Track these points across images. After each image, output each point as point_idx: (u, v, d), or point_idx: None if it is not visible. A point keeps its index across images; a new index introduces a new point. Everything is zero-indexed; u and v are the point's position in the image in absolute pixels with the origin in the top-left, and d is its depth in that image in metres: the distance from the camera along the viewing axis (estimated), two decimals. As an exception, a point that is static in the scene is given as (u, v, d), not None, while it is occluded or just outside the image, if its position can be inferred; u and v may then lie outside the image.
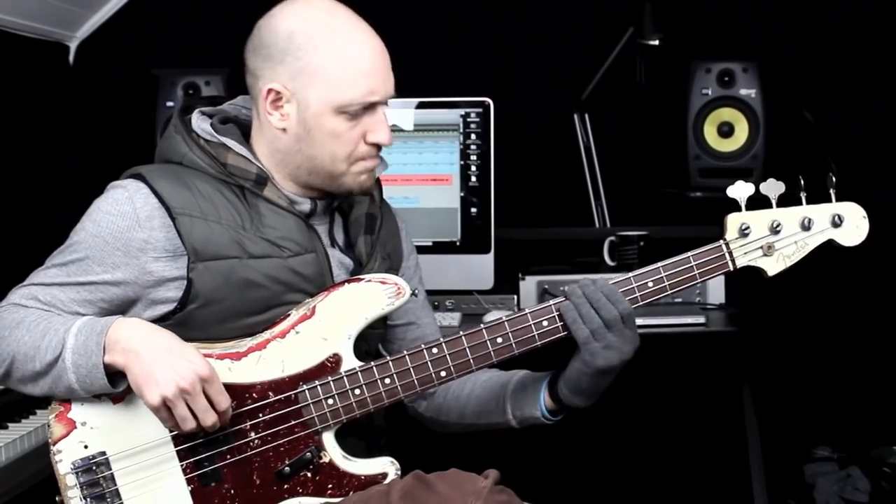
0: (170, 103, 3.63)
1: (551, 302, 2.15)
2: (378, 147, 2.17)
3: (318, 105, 2.09)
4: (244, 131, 2.22)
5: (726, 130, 3.69)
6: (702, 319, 3.26)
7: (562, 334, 2.15)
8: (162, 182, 2.10)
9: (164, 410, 2.00)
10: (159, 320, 2.10)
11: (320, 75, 2.08)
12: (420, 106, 3.45)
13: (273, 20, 2.12)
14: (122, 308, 2.11)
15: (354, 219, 2.27)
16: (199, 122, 2.19)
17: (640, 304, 2.16)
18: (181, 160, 2.16)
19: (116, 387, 2.03)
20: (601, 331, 2.09)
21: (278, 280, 2.12)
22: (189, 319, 2.09)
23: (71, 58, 3.93)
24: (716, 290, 3.43)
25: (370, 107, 2.12)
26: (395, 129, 3.39)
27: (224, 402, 2.02)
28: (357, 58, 2.09)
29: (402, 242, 2.41)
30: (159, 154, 2.22)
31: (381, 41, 2.14)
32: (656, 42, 3.75)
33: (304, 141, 2.12)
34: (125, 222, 2.07)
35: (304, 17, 2.10)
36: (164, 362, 1.98)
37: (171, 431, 2.07)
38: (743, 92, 3.66)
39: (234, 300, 2.09)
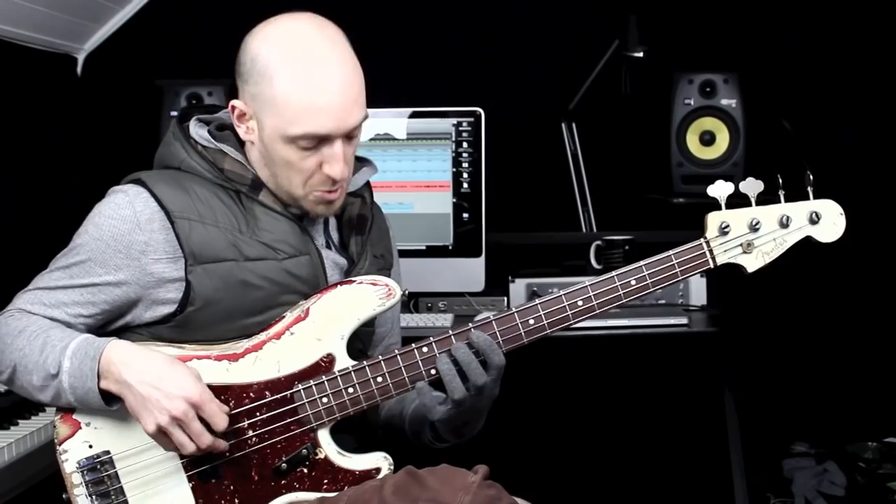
0: (173, 113, 3.62)
1: (537, 301, 2.14)
2: (333, 180, 2.11)
3: (269, 131, 2.07)
4: (241, 139, 2.20)
5: (708, 139, 3.68)
6: (684, 320, 3.25)
7: (548, 331, 2.14)
8: (161, 186, 2.10)
9: (162, 437, 2.00)
10: (160, 322, 2.10)
11: (271, 105, 2.05)
12: (414, 115, 3.46)
13: (248, 39, 2.09)
14: (124, 309, 2.10)
15: (347, 220, 2.27)
16: (197, 129, 2.18)
17: (624, 301, 2.15)
18: (179, 165, 2.16)
19: (112, 406, 2.03)
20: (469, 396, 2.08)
21: (274, 281, 2.11)
22: (189, 321, 2.09)
23: (79, 69, 3.93)
24: (698, 292, 3.43)
25: (326, 139, 2.06)
26: (388, 138, 3.42)
27: (220, 422, 2.01)
28: (308, 94, 2.02)
29: (391, 245, 2.40)
30: (158, 160, 2.21)
31: (347, 73, 2.06)
32: (641, 54, 3.76)
33: (267, 157, 2.12)
34: (126, 225, 2.07)
35: (270, 43, 2.06)
36: (157, 392, 1.97)
37: (181, 459, 2.07)
38: (724, 102, 3.65)
39: (232, 302, 2.09)
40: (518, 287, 3.43)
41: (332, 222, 2.28)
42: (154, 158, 2.23)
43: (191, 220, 2.09)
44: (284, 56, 2.04)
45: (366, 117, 2.12)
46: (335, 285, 2.13)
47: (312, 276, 2.16)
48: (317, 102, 2.03)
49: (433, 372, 2.10)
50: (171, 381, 1.99)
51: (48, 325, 2.08)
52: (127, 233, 2.07)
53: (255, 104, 2.08)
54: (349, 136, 2.09)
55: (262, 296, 2.11)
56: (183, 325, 2.10)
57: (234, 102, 2.11)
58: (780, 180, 2.14)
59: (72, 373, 2.01)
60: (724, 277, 2.24)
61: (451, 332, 2.12)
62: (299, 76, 2.03)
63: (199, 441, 1.99)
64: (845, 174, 3.73)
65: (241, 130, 2.13)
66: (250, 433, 2.08)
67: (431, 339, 2.11)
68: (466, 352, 2.06)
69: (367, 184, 2.33)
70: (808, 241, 2.17)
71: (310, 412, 2.08)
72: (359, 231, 2.27)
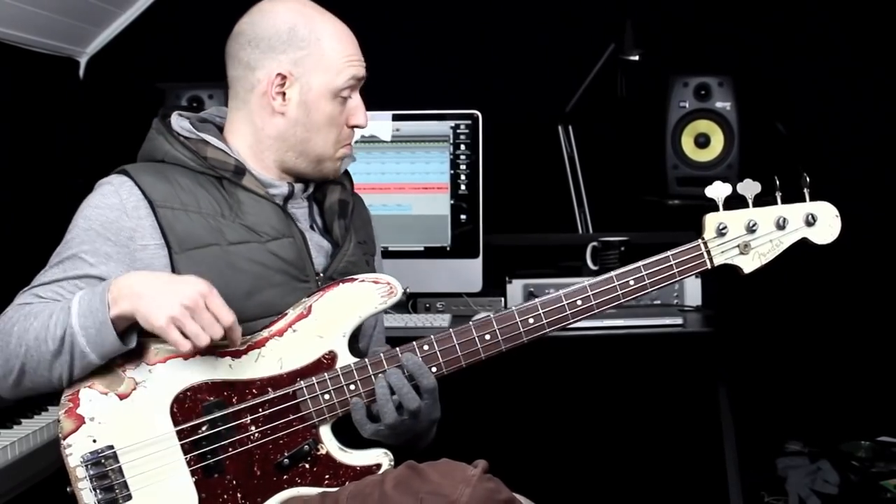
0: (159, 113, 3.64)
1: (536, 301, 2.15)
2: (352, 132, 2.28)
3: (317, 90, 2.19)
4: (221, 130, 2.28)
5: (703, 141, 3.69)
6: (679, 321, 3.26)
7: (547, 330, 2.16)
8: (144, 177, 2.14)
9: (175, 332, 1.97)
10: None
11: (321, 62, 2.18)
12: (412, 118, 3.47)
13: (269, 16, 2.21)
14: None
15: (329, 206, 2.32)
16: (179, 122, 2.24)
17: (622, 301, 2.16)
18: (163, 158, 2.20)
19: (128, 343, 2.02)
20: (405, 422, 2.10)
21: (260, 263, 2.14)
22: None
23: (81, 72, 3.93)
24: (693, 293, 3.44)
25: (354, 88, 2.23)
26: (373, 140, 3.44)
27: (227, 314, 2.01)
28: (347, 45, 2.22)
29: (373, 233, 2.45)
30: (141, 156, 2.25)
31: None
32: (636, 57, 3.77)
33: (302, 124, 2.20)
34: (113, 213, 2.10)
35: (300, 12, 2.21)
36: (165, 289, 1.98)
37: (175, 431, 2.07)
38: (718, 105, 3.67)
39: (219, 286, 2.07)
40: (515, 288, 3.44)
41: (315, 209, 2.32)
42: (137, 156, 2.26)
43: (174, 208, 2.12)
44: (321, 19, 2.22)
45: None
46: (337, 283, 2.14)
47: (298, 259, 2.19)
48: (352, 52, 2.23)
49: (433, 370, 2.12)
50: (178, 280, 2.02)
51: (51, 303, 2.07)
52: (115, 220, 2.11)
53: (300, 67, 2.19)
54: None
55: (248, 278, 2.13)
56: None
57: (279, 70, 2.18)
58: (777, 182, 2.15)
59: (81, 313, 1.99)
60: (720, 278, 2.25)
61: (451, 330, 2.14)
62: (337, 32, 2.22)
63: (211, 331, 1.99)
64: (839, 176, 3.74)
65: (276, 103, 2.19)
66: (253, 429, 2.08)
67: (433, 337, 2.13)
68: (399, 376, 2.09)
69: (347, 172, 2.37)
70: (803, 243, 2.18)
71: (312, 408, 2.09)
72: (341, 215, 2.31)
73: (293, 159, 2.22)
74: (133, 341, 2.03)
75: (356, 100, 2.25)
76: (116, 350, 2.03)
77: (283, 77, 2.18)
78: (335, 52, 2.19)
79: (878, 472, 3.65)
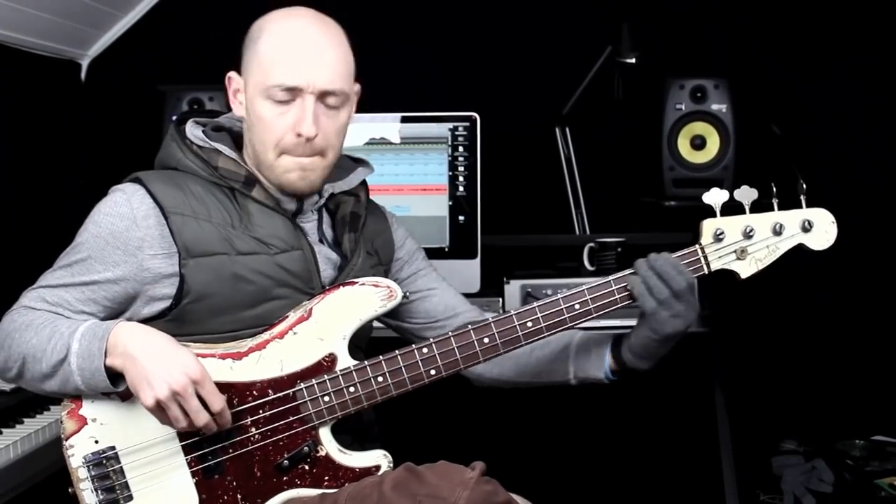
0: (175, 117, 3.64)
1: (535, 304, 2.16)
2: (307, 141, 2.12)
3: (251, 89, 2.15)
4: (238, 142, 2.26)
5: (699, 143, 3.69)
6: (676, 321, 3.25)
7: (546, 334, 2.17)
8: (157, 184, 2.14)
9: (159, 411, 2.01)
10: (157, 317, 2.13)
11: (255, 61, 2.14)
12: (411, 120, 3.47)
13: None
14: (125, 305, 2.13)
15: (340, 218, 2.31)
16: (193, 130, 2.24)
17: (620, 305, 2.18)
18: (176, 165, 2.20)
19: (118, 387, 2.04)
20: (670, 301, 2.11)
21: (266, 275, 2.14)
22: (184, 315, 2.11)
23: (83, 75, 3.94)
24: (689, 294, 3.44)
25: (296, 97, 2.12)
26: (383, 142, 3.43)
27: (217, 402, 2.03)
28: (283, 47, 2.11)
29: (392, 236, 2.42)
30: (158, 162, 2.26)
31: (327, 39, 2.14)
32: (633, 60, 3.77)
33: (249, 125, 2.19)
34: (123, 223, 2.10)
35: (266, 17, 2.18)
36: (158, 366, 1.99)
37: (176, 431, 2.08)
38: (714, 107, 3.66)
39: (224, 295, 2.11)
40: (513, 288, 3.43)
41: (326, 219, 2.31)
42: (154, 161, 2.27)
43: (184, 215, 2.12)
44: (273, 21, 2.16)
45: (348, 94, 2.18)
46: (338, 286, 2.16)
47: (305, 271, 2.19)
48: (290, 55, 2.11)
49: (433, 373, 2.13)
50: (174, 356, 2.01)
51: (54, 317, 2.10)
52: (124, 229, 2.10)
53: (244, 70, 2.18)
54: (325, 101, 2.14)
55: (254, 289, 2.14)
56: (179, 319, 2.12)
57: (230, 74, 2.19)
58: (774, 188, 2.16)
59: (80, 354, 2.03)
60: (716, 278, 2.26)
61: (449, 333, 2.15)
62: (279, 32, 2.14)
63: (195, 418, 2.01)
64: (834, 178, 3.75)
65: (235, 107, 2.21)
66: (253, 430, 2.10)
67: (431, 340, 2.15)
68: (662, 263, 2.13)
69: (364, 183, 2.36)
70: (800, 248, 2.19)
71: (311, 410, 2.11)
72: (352, 228, 2.30)
73: (257, 165, 2.20)
74: (123, 386, 2.05)
75: (301, 107, 2.11)
76: (108, 391, 2.06)
77: (231, 79, 2.20)
78: (269, 51, 2.12)
79: (873, 470, 3.64)
